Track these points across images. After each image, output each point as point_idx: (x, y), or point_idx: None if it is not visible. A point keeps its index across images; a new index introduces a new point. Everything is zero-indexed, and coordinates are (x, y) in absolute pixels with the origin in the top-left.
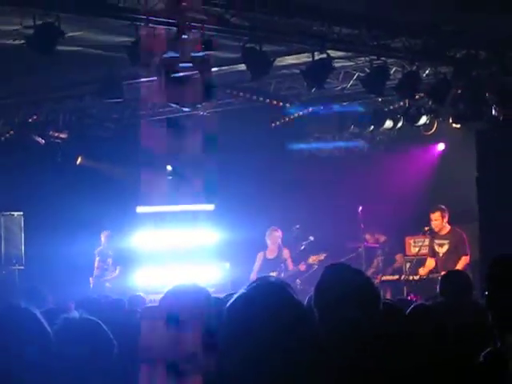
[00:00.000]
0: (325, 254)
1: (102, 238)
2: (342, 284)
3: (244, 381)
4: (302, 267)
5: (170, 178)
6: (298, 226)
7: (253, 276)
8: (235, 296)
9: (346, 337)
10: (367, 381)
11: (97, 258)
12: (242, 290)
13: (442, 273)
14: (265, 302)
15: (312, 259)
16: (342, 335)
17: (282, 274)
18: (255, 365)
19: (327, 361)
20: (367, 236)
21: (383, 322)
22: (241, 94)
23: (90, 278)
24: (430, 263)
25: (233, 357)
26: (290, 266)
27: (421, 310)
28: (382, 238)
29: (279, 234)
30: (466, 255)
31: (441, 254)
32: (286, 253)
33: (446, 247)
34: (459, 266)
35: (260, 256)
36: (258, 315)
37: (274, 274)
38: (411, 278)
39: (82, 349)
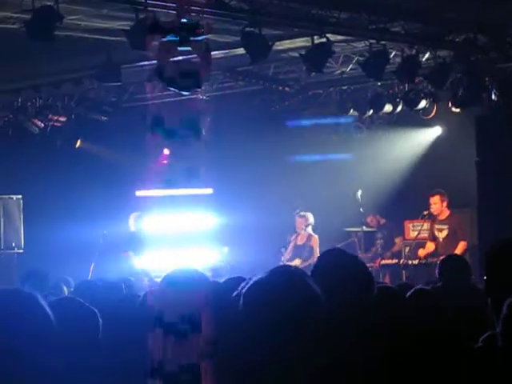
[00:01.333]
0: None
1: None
2: (337, 269)
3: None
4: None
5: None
6: (298, 210)
7: (284, 257)
8: (252, 280)
9: (341, 321)
10: (364, 364)
11: None
12: (259, 275)
13: (441, 257)
14: (281, 287)
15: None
16: (338, 319)
17: (305, 262)
18: (270, 346)
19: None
20: (369, 218)
21: (379, 306)
22: (240, 77)
23: (91, 266)
24: (430, 246)
25: (250, 340)
26: (316, 253)
27: (420, 294)
28: (382, 221)
29: (302, 219)
30: (465, 240)
31: (441, 239)
32: (313, 240)
33: (445, 232)
34: (457, 251)
35: (292, 240)
36: (274, 299)
37: (298, 261)
38: (410, 262)
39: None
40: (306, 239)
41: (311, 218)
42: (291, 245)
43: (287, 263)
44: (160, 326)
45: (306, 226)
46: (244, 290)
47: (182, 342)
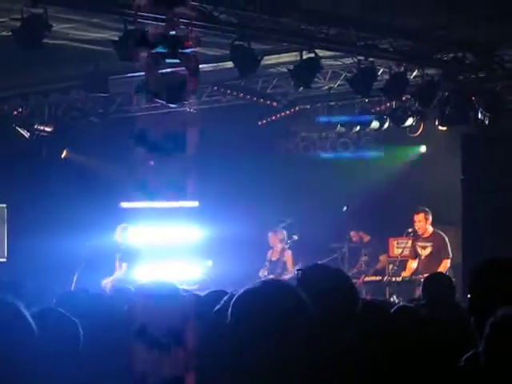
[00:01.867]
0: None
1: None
2: (320, 284)
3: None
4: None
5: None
6: (282, 225)
7: (261, 273)
8: (242, 290)
9: (322, 338)
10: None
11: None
12: (248, 286)
13: (425, 275)
14: (271, 296)
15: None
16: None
17: (277, 276)
18: (258, 353)
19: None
20: (352, 233)
21: (364, 322)
22: (228, 91)
23: (75, 276)
24: (412, 265)
25: (238, 350)
26: (289, 268)
27: (404, 311)
28: (367, 238)
29: (276, 236)
30: (448, 258)
31: (423, 257)
32: (286, 256)
33: (428, 250)
34: (441, 269)
35: (268, 255)
36: (263, 309)
37: (271, 276)
38: (394, 279)
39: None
40: (279, 255)
41: (283, 235)
42: (267, 261)
43: None
44: (137, 338)
45: (280, 242)
46: (234, 299)
47: (162, 355)
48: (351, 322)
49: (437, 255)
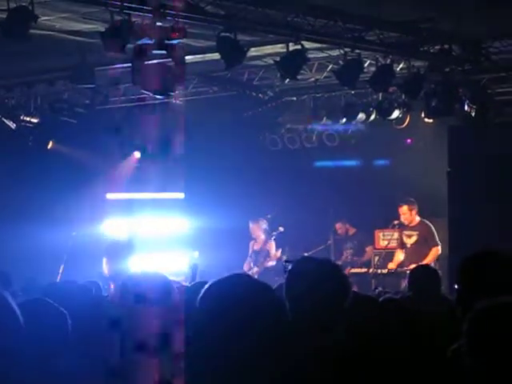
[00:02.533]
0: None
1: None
2: (311, 275)
3: (216, 360)
4: (270, 263)
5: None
6: (268, 216)
7: (245, 266)
8: (208, 284)
9: (315, 328)
10: (336, 368)
11: None
12: (213, 280)
13: (411, 266)
14: (236, 289)
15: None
16: (312, 326)
17: (261, 266)
18: (226, 346)
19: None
20: (337, 225)
21: (355, 313)
22: (214, 83)
23: (61, 268)
24: (399, 256)
25: (205, 339)
26: (272, 256)
27: (390, 303)
28: (352, 230)
29: (257, 225)
30: (436, 246)
31: (409, 245)
32: (269, 245)
33: (414, 238)
34: (430, 257)
35: (251, 245)
36: (228, 301)
37: (256, 269)
38: (379, 271)
39: (40, 329)
40: (262, 244)
41: (264, 224)
42: (250, 251)
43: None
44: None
45: (263, 232)
46: (201, 294)
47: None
48: (341, 315)
49: (424, 244)
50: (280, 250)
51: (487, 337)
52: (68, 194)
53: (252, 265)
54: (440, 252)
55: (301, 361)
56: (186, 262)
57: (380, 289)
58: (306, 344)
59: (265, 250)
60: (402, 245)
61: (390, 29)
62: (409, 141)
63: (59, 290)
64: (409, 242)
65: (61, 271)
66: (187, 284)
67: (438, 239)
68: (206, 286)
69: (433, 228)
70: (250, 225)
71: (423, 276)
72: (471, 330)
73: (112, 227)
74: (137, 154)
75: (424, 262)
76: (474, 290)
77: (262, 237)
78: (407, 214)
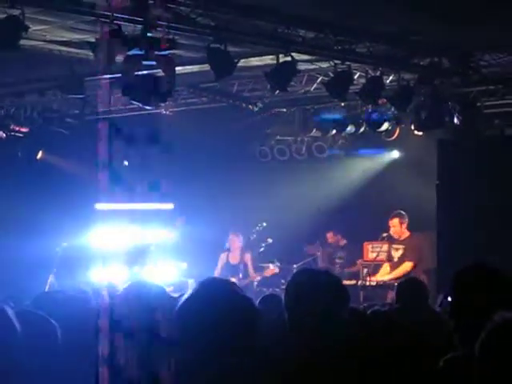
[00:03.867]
0: (278, 267)
1: None
2: (310, 286)
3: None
4: (257, 278)
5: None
6: (257, 228)
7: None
8: (184, 297)
9: (314, 332)
10: (331, 378)
11: None
12: (189, 291)
13: (394, 278)
14: (210, 300)
15: (266, 272)
16: (311, 336)
17: (241, 280)
18: (205, 358)
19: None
20: (328, 235)
21: (352, 324)
22: (203, 94)
23: (49, 278)
24: (385, 269)
25: (185, 350)
26: (251, 272)
27: (378, 315)
28: (343, 242)
29: (238, 238)
30: (410, 261)
31: (395, 259)
32: (247, 258)
33: (400, 252)
34: (398, 270)
35: (223, 258)
36: (203, 314)
37: (233, 279)
38: (367, 283)
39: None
40: (239, 258)
41: (241, 239)
42: (220, 265)
43: None
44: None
45: (239, 244)
46: (178, 306)
47: (140, 350)
48: (340, 326)
49: (406, 258)
50: (271, 269)
51: (505, 350)
52: (57, 204)
53: (241, 276)
54: (409, 269)
55: (300, 371)
56: (175, 272)
57: (365, 305)
58: (305, 354)
59: (243, 264)
60: (389, 257)
61: (379, 41)
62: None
63: (49, 301)
64: (395, 255)
65: (49, 281)
66: (176, 295)
67: (418, 257)
68: (182, 300)
69: (419, 244)
70: (230, 236)
71: (411, 288)
72: (490, 341)
73: (100, 237)
74: (125, 163)
75: (390, 276)
76: (467, 304)
77: (238, 250)
78: (397, 226)
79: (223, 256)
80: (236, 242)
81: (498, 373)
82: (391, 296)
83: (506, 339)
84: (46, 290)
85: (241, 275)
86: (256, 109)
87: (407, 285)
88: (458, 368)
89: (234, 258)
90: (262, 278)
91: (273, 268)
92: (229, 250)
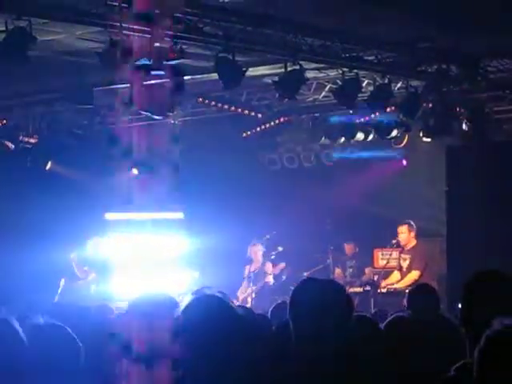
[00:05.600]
0: (283, 264)
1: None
2: (315, 295)
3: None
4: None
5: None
6: (268, 236)
7: (239, 293)
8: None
9: (320, 345)
10: None
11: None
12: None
13: (408, 285)
14: (201, 314)
15: (274, 270)
16: (316, 346)
17: (257, 285)
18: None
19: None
20: (347, 246)
21: (357, 334)
22: (212, 103)
23: (59, 288)
24: (395, 276)
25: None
26: (269, 278)
27: (399, 322)
28: (356, 249)
29: (257, 248)
30: (417, 270)
31: (404, 269)
32: (267, 266)
33: (407, 262)
34: (406, 279)
35: (246, 269)
36: (196, 326)
37: (254, 287)
38: (378, 290)
39: (49, 354)
40: (259, 265)
41: (262, 248)
42: (246, 274)
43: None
44: (128, 355)
45: (260, 255)
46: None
47: (151, 370)
48: (345, 335)
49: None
50: (279, 265)
51: (503, 357)
52: (67, 215)
53: (251, 284)
54: (417, 278)
55: (303, 381)
56: (187, 281)
57: (375, 310)
58: (309, 363)
59: (262, 270)
60: (399, 268)
61: (387, 48)
62: (404, 162)
63: (63, 313)
64: (404, 265)
65: (59, 292)
66: None
67: (424, 265)
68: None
69: (425, 253)
70: (249, 248)
71: (422, 295)
72: (487, 349)
73: (110, 247)
74: (135, 173)
75: (399, 285)
76: (478, 310)
77: (260, 259)
78: (406, 233)
79: (246, 268)
80: (253, 251)
81: (497, 380)
82: (402, 303)
83: (504, 346)
84: (56, 300)
85: (258, 284)
86: (265, 117)
87: (418, 291)
88: (469, 376)
89: (254, 266)
90: (274, 281)
91: (282, 264)
92: (251, 260)
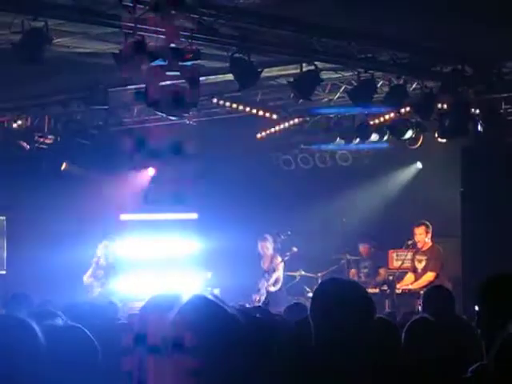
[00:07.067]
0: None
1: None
2: (336, 296)
3: None
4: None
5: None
6: (282, 237)
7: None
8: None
9: (341, 346)
10: None
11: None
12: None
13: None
14: (196, 319)
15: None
16: (338, 345)
17: (275, 287)
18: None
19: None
20: (362, 247)
21: (377, 335)
22: (227, 103)
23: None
24: (410, 278)
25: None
26: (280, 278)
27: (426, 323)
28: (371, 250)
29: (265, 243)
30: (432, 271)
31: (419, 270)
32: (276, 263)
33: (423, 263)
34: (421, 281)
35: (262, 265)
36: (192, 330)
37: (265, 283)
38: (394, 291)
39: (67, 356)
40: (269, 263)
41: (271, 240)
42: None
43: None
44: (142, 347)
45: (271, 249)
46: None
47: (165, 365)
48: (366, 336)
49: (428, 268)
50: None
51: None
52: (82, 216)
53: (266, 283)
54: (433, 279)
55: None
56: (200, 282)
57: (389, 310)
58: (330, 365)
59: (272, 269)
60: (414, 269)
61: (402, 49)
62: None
63: (78, 311)
64: (419, 266)
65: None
66: None
67: (440, 266)
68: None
69: (441, 254)
70: (259, 243)
71: (437, 297)
72: (502, 353)
73: (125, 247)
74: (150, 173)
75: (414, 286)
76: (495, 313)
77: (270, 252)
78: (423, 234)
79: (262, 263)
80: (262, 246)
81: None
82: (418, 305)
83: None
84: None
85: (268, 282)
86: (280, 118)
87: (434, 292)
88: (486, 378)
89: (265, 263)
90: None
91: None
92: (262, 256)
